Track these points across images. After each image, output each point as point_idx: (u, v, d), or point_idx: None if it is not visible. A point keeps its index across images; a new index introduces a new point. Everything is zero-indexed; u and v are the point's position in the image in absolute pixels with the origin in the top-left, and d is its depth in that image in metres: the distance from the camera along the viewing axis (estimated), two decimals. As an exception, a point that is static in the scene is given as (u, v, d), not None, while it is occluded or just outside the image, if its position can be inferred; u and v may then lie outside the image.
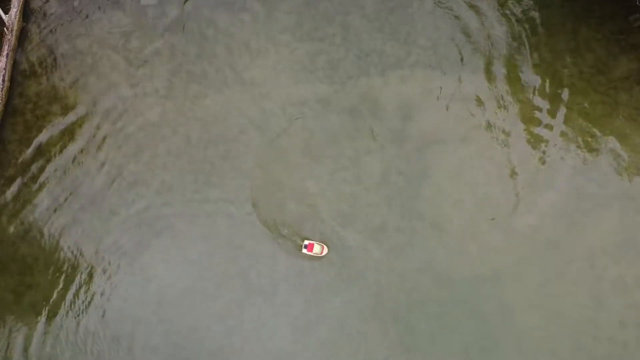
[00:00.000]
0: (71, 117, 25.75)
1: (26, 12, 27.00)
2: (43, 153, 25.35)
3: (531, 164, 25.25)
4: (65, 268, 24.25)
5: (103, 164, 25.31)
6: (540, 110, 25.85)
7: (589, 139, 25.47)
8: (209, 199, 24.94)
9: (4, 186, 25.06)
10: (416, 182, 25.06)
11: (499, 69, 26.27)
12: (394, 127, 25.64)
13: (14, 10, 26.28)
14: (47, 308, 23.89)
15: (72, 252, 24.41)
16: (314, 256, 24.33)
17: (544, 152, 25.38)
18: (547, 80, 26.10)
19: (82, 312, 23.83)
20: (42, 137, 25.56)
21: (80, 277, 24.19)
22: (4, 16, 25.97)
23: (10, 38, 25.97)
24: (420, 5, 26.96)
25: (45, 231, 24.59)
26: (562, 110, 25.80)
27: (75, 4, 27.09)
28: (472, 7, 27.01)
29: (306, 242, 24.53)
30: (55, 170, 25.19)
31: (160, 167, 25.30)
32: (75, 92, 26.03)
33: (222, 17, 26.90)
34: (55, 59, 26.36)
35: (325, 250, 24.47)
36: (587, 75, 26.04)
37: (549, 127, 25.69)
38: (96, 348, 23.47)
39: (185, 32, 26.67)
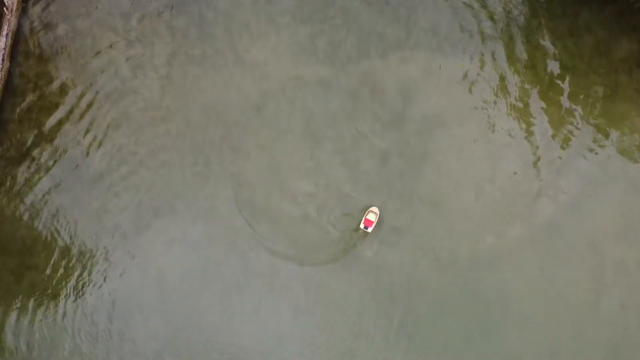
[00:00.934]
0: (71, 97, 25.63)
1: (26, -7, 26.94)
2: (43, 134, 25.27)
3: (531, 146, 25.20)
4: (64, 250, 24.16)
5: (103, 145, 25.21)
6: (540, 92, 25.81)
7: (589, 121, 25.45)
8: (209, 180, 24.86)
9: (4, 167, 24.98)
10: (417, 165, 24.99)
11: (500, 51, 26.22)
12: (394, 108, 25.57)
13: (14, -9, 26.26)
14: (44, 290, 23.77)
15: (72, 234, 24.32)
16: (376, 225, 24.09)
17: (543, 135, 25.34)
18: (548, 63, 26.07)
19: (80, 295, 23.72)
20: (42, 117, 25.46)
21: (79, 259, 24.10)
22: (4, -3, 25.97)
23: (10, 18, 25.89)
24: (420, -13, 26.96)
25: (45, 212, 24.49)
26: (562, 93, 25.75)
27: (76, -16, 27.08)
28: (472, -11, 27.03)
29: (362, 224, 23.98)
30: (55, 151, 25.10)
31: (160, 148, 25.21)
32: (75, 72, 25.92)
33: (222, -1, 26.86)
34: (55, 40, 26.23)
35: (377, 211, 24.08)
36: (587, 57, 26.00)
37: (549, 108, 25.65)
38: (93, 330, 23.39)
39: (185, 14, 26.60)
